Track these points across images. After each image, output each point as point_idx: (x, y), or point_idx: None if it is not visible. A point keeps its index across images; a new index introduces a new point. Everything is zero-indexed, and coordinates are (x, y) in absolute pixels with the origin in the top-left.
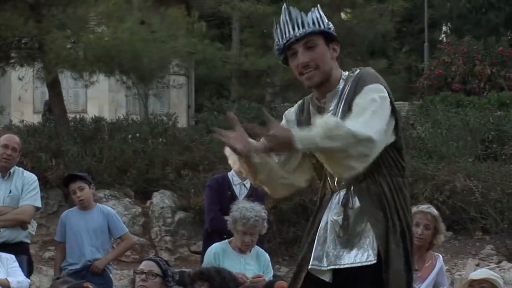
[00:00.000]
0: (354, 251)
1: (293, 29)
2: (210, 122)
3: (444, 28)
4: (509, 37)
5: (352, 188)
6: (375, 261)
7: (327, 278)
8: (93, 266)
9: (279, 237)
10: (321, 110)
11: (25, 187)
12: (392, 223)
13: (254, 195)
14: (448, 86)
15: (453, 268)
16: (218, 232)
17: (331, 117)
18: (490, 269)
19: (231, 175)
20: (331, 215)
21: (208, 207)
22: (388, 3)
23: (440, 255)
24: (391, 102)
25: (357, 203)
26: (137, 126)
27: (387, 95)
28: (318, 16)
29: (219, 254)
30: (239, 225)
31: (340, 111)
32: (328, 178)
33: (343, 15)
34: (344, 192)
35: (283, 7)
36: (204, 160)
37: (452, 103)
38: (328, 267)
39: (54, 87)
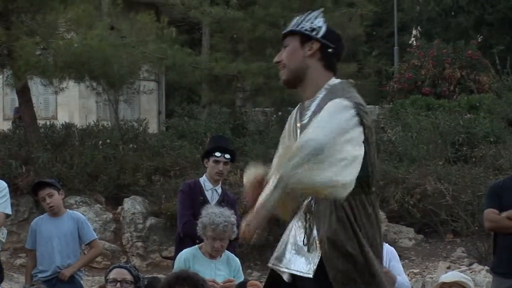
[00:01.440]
0: (303, 259)
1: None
2: (181, 127)
3: (414, 31)
4: (478, 41)
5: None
6: (311, 276)
7: (285, 278)
8: (60, 274)
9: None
10: (302, 115)
11: None
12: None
13: (226, 200)
14: (418, 90)
15: (424, 271)
16: (190, 237)
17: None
18: (461, 271)
19: (203, 180)
20: (297, 220)
21: (180, 212)
22: (357, 7)
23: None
24: (358, 114)
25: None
26: (107, 132)
27: (347, 112)
28: (305, 18)
29: (189, 260)
30: (209, 231)
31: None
32: None
33: None
34: (308, 201)
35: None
36: (175, 165)
37: (422, 107)
38: (282, 269)
39: (23, 93)
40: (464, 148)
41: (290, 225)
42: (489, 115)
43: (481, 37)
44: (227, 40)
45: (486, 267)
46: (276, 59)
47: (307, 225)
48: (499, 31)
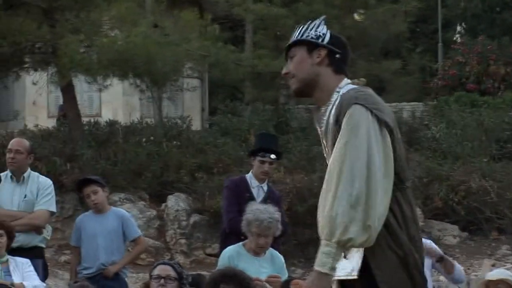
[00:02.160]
0: (345, 263)
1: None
2: (224, 124)
3: (458, 28)
4: None
5: None
6: (355, 276)
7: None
8: (105, 271)
9: (294, 239)
10: (319, 121)
11: (40, 192)
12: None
13: (271, 197)
14: (463, 86)
15: (468, 269)
16: (236, 233)
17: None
18: (506, 269)
19: (249, 177)
20: None
21: (226, 208)
22: (401, 3)
23: None
24: (376, 116)
25: None
26: (151, 129)
27: (365, 117)
28: (308, 27)
29: (233, 257)
30: (254, 227)
31: (328, 136)
32: None
33: (356, 16)
34: None
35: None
36: (219, 162)
37: (466, 103)
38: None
39: (68, 91)
40: (509, 145)
41: None
42: None
43: None
44: (270, 37)
45: None
46: (284, 71)
47: None
48: None
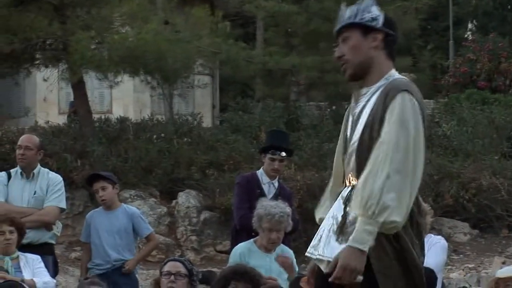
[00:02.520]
0: (340, 246)
1: (336, 27)
2: (235, 121)
3: (469, 25)
4: None
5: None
6: None
7: (323, 268)
8: (125, 270)
9: (305, 236)
10: (357, 101)
11: (50, 188)
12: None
13: (282, 194)
14: (474, 84)
15: (479, 266)
16: (247, 230)
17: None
18: None
19: (260, 173)
20: (335, 208)
21: (237, 204)
22: (412, 0)
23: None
24: (420, 108)
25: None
26: (162, 126)
27: (415, 108)
28: (360, 8)
29: (244, 254)
30: (265, 222)
31: (363, 115)
32: (345, 172)
33: None
34: (349, 190)
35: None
36: (229, 159)
37: (477, 101)
38: (317, 256)
39: (79, 87)
40: None
41: (330, 212)
42: None
43: None
44: (281, 34)
45: None
46: (337, 54)
47: (344, 216)
48: None
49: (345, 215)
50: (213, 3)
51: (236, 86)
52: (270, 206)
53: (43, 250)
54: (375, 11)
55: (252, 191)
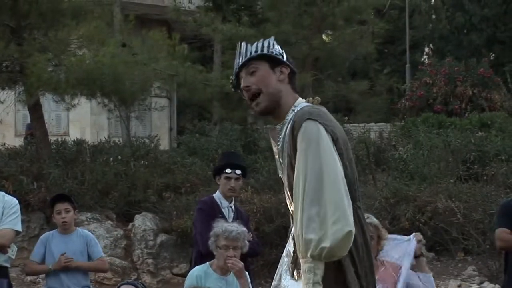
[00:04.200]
0: (295, 283)
1: (238, 60)
2: (192, 144)
3: (426, 49)
4: (490, 59)
5: None
6: None
7: None
8: (67, 260)
9: (261, 259)
10: (276, 140)
11: (5, 211)
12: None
13: (240, 217)
14: (430, 107)
15: None
16: (212, 254)
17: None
18: None
19: (218, 197)
20: (287, 246)
21: (200, 230)
22: (369, 25)
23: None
24: (326, 130)
25: None
26: (119, 149)
27: (320, 132)
28: (264, 44)
29: (201, 277)
30: (222, 240)
31: (284, 153)
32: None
33: (324, 37)
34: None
35: (237, 44)
36: (186, 182)
37: (433, 124)
38: None
39: (35, 110)
40: (476, 166)
41: (285, 250)
42: (501, 133)
43: (493, 55)
44: None
45: (497, 286)
46: (244, 83)
47: (295, 252)
48: (511, 49)
49: (295, 251)
50: (170, 26)
51: (194, 108)
52: (227, 225)
53: None
54: (279, 48)
55: (214, 216)
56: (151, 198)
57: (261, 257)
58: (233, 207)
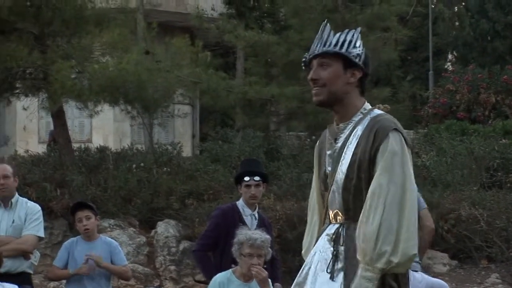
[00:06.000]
0: (331, 283)
1: (317, 46)
2: (215, 151)
3: (449, 56)
4: None
5: (344, 227)
6: None
7: None
8: (89, 256)
9: (284, 266)
10: (335, 137)
11: (28, 217)
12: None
13: (263, 225)
14: (453, 115)
15: None
16: (197, 257)
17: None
18: None
19: (241, 205)
20: (320, 246)
21: (204, 234)
22: (392, 31)
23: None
24: (407, 145)
25: (342, 245)
26: (141, 156)
27: (405, 146)
28: (347, 39)
29: (224, 284)
30: (246, 247)
31: (347, 151)
32: (328, 208)
33: None
34: (337, 227)
35: (322, 23)
36: (209, 189)
37: (457, 132)
38: None
39: (59, 117)
40: (499, 174)
41: (314, 249)
42: None
43: None
44: (261, 64)
45: None
46: (313, 75)
47: (334, 252)
48: None
49: (335, 252)
50: (193, 33)
51: (216, 115)
52: (251, 232)
53: (20, 279)
54: (360, 47)
55: (234, 224)
56: (174, 205)
57: (284, 263)
58: (256, 215)
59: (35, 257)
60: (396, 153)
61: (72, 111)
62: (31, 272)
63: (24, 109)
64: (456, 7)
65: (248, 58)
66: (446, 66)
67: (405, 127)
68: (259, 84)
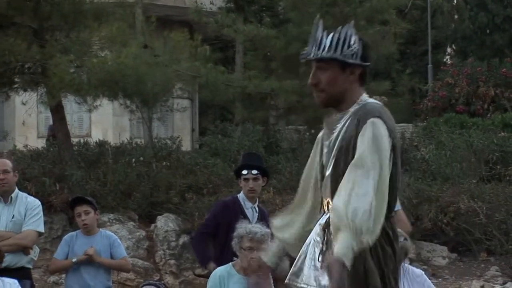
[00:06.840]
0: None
1: (312, 47)
2: (214, 145)
3: (448, 49)
4: None
5: None
6: None
7: None
8: (88, 251)
9: None
10: (332, 127)
11: (28, 212)
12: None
13: (263, 218)
14: (452, 108)
15: None
16: (194, 243)
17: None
18: None
19: (242, 198)
20: (315, 235)
21: (204, 222)
22: (391, 25)
23: None
24: (390, 135)
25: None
26: (141, 150)
27: (386, 134)
28: (341, 38)
29: (224, 277)
30: (246, 241)
31: (337, 141)
32: (322, 199)
33: None
34: (328, 216)
35: (315, 19)
36: (208, 183)
37: (456, 125)
38: (301, 285)
39: (58, 111)
40: (498, 167)
41: (309, 238)
42: None
43: None
44: (260, 58)
45: None
46: (311, 81)
47: (325, 241)
48: None
49: (327, 242)
50: (192, 27)
51: (215, 109)
52: (252, 226)
53: (20, 274)
54: (355, 44)
55: (235, 217)
56: (173, 199)
57: None
58: (256, 208)
59: (35, 252)
60: (375, 136)
61: (71, 105)
62: (31, 267)
63: (23, 103)
64: (455, 0)
65: (247, 52)
66: (445, 59)
67: (404, 120)
68: (258, 78)
